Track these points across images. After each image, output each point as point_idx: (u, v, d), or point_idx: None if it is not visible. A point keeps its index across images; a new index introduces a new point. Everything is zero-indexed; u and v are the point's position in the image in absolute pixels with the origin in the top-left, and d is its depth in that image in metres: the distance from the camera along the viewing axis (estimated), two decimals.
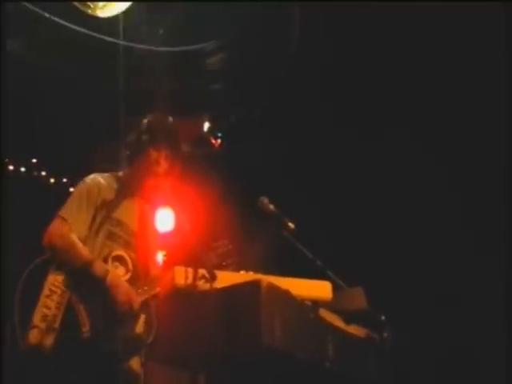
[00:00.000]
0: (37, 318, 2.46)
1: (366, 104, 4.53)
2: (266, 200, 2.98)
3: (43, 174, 5.16)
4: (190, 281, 2.54)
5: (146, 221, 2.88)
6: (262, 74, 4.62)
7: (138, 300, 2.62)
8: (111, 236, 2.72)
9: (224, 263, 2.73)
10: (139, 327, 2.64)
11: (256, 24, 4.37)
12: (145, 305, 2.65)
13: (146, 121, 2.89)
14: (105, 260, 2.66)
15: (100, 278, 2.57)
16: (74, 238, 2.63)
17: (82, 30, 4.32)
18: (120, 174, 2.91)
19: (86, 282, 2.56)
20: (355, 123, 4.65)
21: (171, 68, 4.60)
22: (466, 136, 4.33)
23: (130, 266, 2.70)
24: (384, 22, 4.09)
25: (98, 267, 2.59)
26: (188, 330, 2.50)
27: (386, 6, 3.92)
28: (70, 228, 2.63)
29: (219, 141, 4.77)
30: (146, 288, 2.66)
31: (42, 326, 2.46)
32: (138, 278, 2.70)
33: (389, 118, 4.51)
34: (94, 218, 2.70)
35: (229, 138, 4.81)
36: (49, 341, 2.46)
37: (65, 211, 2.68)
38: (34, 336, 2.45)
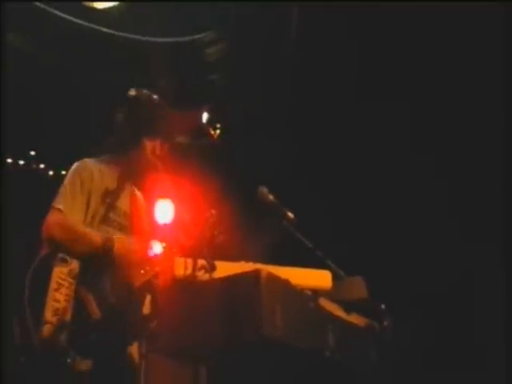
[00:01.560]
0: (48, 314, 2.46)
1: (368, 99, 4.59)
2: (265, 190, 2.97)
3: (42, 166, 5.11)
4: (189, 271, 2.54)
5: (139, 205, 2.87)
6: (261, 65, 4.60)
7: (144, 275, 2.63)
8: (106, 220, 2.72)
9: (216, 232, 2.71)
10: (146, 308, 2.63)
11: (255, 14, 4.35)
12: (148, 285, 2.64)
13: (134, 106, 2.81)
14: None
15: (107, 248, 2.59)
16: (72, 222, 2.61)
17: (79, 21, 4.30)
18: (107, 158, 2.84)
19: (94, 264, 2.53)
20: (357, 117, 4.65)
21: (169, 59, 4.57)
22: (465, 140, 4.44)
23: None
24: (383, 23, 4.22)
25: (98, 237, 2.60)
26: (188, 321, 2.50)
27: (383, 7, 4.05)
28: (67, 217, 2.65)
29: (218, 132, 4.75)
30: (147, 268, 2.65)
31: (54, 320, 2.47)
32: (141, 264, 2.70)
33: (388, 112, 4.56)
34: (88, 204, 2.67)
35: (228, 129, 4.78)
36: (62, 334, 2.47)
37: (58, 201, 2.66)
38: (47, 331, 2.45)
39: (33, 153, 5.04)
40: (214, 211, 2.73)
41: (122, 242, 2.64)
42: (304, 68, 4.55)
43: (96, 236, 2.62)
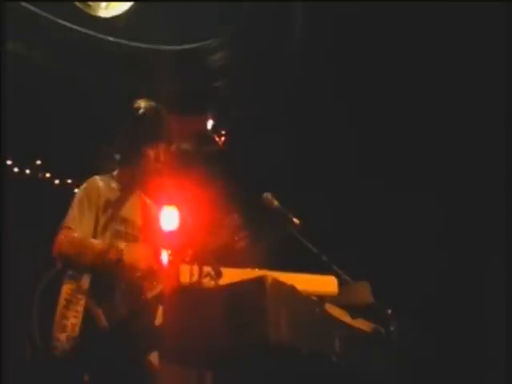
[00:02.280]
0: (57, 331, 2.47)
1: (371, 100, 4.61)
2: (269, 196, 2.98)
3: (48, 175, 5.15)
4: (195, 278, 2.55)
5: (150, 214, 2.89)
6: (265, 71, 4.61)
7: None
8: (118, 234, 2.73)
9: (236, 238, 2.72)
10: (158, 319, 2.63)
11: (259, 19, 4.37)
12: (160, 297, 2.65)
13: (135, 116, 2.82)
14: None
15: (116, 261, 2.58)
16: (79, 235, 2.63)
17: (83, 29, 4.33)
18: (115, 173, 2.88)
19: (104, 277, 2.55)
20: (360, 119, 4.68)
21: (173, 66, 4.59)
22: (465, 144, 4.48)
23: None
24: (382, 24, 4.23)
25: (112, 251, 2.60)
26: (194, 328, 2.50)
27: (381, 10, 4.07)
28: (75, 232, 2.67)
29: (223, 138, 4.76)
30: (155, 283, 2.69)
31: (63, 337, 2.46)
32: (150, 272, 2.71)
33: (391, 112, 4.62)
34: (97, 220, 2.70)
35: (233, 135, 4.79)
36: (71, 350, 2.47)
37: (67, 220, 2.71)
38: (56, 349, 2.46)
39: (39, 162, 5.07)
40: (235, 216, 2.75)
41: (129, 253, 2.63)
42: (306, 70, 4.55)
43: (102, 245, 2.64)
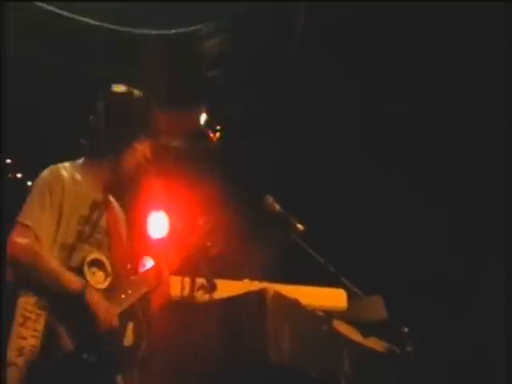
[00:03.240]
0: (12, 354, 2.32)
1: (373, 98, 4.73)
2: (271, 199, 2.96)
3: (19, 175, 5.09)
4: (187, 291, 2.53)
5: (116, 217, 2.75)
6: (264, 62, 4.63)
7: (115, 314, 2.51)
8: (81, 236, 2.57)
9: (209, 244, 2.64)
10: (127, 339, 2.56)
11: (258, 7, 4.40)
12: (130, 311, 2.55)
13: (121, 104, 2.70)
14: (80, 265, 2.53)
15: (76, 294, 2.45)
16: (39, 248, 2.49)
17: (71, 14, 4.30)
18: (81, 162, 2.73)
19: (62, 298, 2.44)
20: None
21: (164, 53, 4.56)
22: (464, 143, 4.63)
23: (109, 270, 2.59)
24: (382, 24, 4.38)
25: (72, 282, 2.46)
26: (186, 346, 2.49)
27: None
28: (35, 235, 2.49)
29: (218, 134, 4.73)
30: (129, 292, 2.55)
31: (20, 361, 2.33)
32: (119, 281, 2.59)
33: (392, 111, 4.72)
34: (59, 217, 2.55)
35: (228, 131, 4.78)
36: (29, 378, 2.33)
37: (25, 216, 2.52)
38: (10, 375, 2.32)
39: (8, 161, 4.99)
40: (208, 219, 2.66)
41: (92, 297, 2.50)
42: (306, 64, 4.61)
43: (72, 280, 2.48)
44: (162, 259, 2.68)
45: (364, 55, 4.53)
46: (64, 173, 2.63)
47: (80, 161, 2.74)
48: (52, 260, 2.49)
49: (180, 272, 2.66)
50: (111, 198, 2.77)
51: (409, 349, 2.62)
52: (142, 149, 2.71)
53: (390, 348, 2.73)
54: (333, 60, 4.56)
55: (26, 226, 2.49)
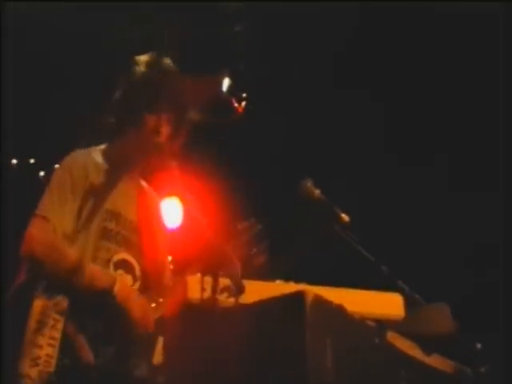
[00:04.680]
0: (25, 364, 2.36)
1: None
2: (309, 183, 2.91)
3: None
4: (207, 294, 2.48)
5: (151, 209, 2.80)
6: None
7: (152, 317, 2.56)
8: (107, 234, 2.64)
9: (253, 252, 2.67)
10: (157, 355, 2.60)
11: None
12: (161, 324, 2.59)
13: (136, 70, 2.76)
14: (105, 267, 2.60)
15: (105, 291, 2.49)
16: (61, 241, 2.54)
17: None
18: (104, 147, 2.80)
19: (86, 300, 2.47)
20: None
21: (181, 12, 4.56)
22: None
23: (138, 273, 2.65)
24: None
25: (100, 276, 2.52)
26: (206, 361, 2.46)
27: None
28: (55, 228, 2.55)
29: (244, 104, 4.69)
30: (161, 300, 2.60)
31: (34, 373, 2.36)
32: (149, 287, 2.66)
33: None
34: (81, 211, 2.61)
35: (257, 100, 4.75)
36: None
37: (44, 207, 2.59)
38: None
39: (32, 160, 5.17)
40: (252, 220, 2.67)
41: (122, 289, 2.54)
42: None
43: (99, 274, 2.54)
44: (179, 258, 2.71)
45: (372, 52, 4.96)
46: (87, 159, 2.70)
47: (103, 146, 2.80)
48: (75, 254, 2.54)
49: (200, 271, 2.62)
50: (144, 184, 2.81)
51: (482, 369, 2.56)
52: (153, 121, 2.70)
53: (459, 368, 2.67)
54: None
55: (45, 218, 2.55)
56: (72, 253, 2.54)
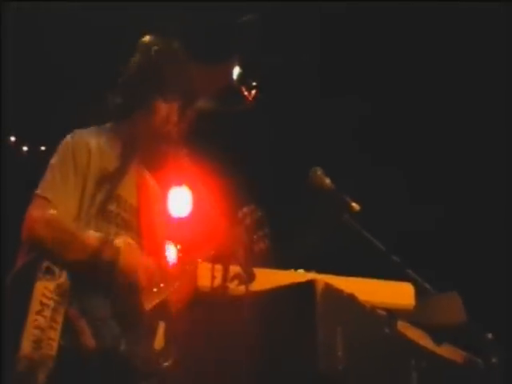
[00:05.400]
0: (26, 345, 2.33)
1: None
2: (319, 172, 2.90)
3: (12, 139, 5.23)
4: (218, 282, 2.50)
5: (150, 194, 2.79)
6: None
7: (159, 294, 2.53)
8: (107, 215, 2.60)
9: (255, 236, 2.64)
10: (158, 341, 2.55)
11: None
12: (162, 309, 2.55)
13: (146, 54, 2.73)
14: None
15: (110, 262, 2.46)
16: (62, 219, 2.52)
17: None
18: (108, 128, 2.76)
19: (88, 283, 2.44)
20: None
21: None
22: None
23: None
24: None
25: (106, 248, 2.47)
26: (216, 349, 2.48)
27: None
28: (56, 209, 2.52)
29: (254, 92, 4.67)
30: (162, 285, 2.56)
31: (35, 354, 2.34)
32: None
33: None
34: (83, 192, 2.56)
35: (268, 88, 4.72)
36: (43, 374, 2.33)
37: (45, 188, 2.55)
38: (24, 369, 2.32)
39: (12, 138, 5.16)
40: (255, 207, 2.65)
41: (127, 256, 2.54)
42: None
43: (95, 240, 2.54)
44: (189, 245, 2.70)
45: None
46: (90, 139, 2.65)
47: (107, 125, 2.75)
48: (78, 229, 2.51)
49: (209, 258, 2.63)
50: (146, 171, 2.78)
51: (494, 360, 2.55)
52: (165, 108, 2.68)
53: (470, 358, 2.69)
54: None
55: (46, 198, 2.51)
56: (79, 231, 2.50)
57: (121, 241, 2.52)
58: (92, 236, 2.49)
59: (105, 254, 2.47)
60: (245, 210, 2.69)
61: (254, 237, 2.65)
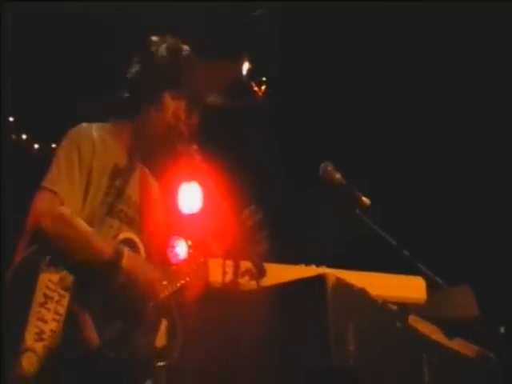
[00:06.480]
0: (30, 338, 2.33)
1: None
2: (330, 167, 2.90)
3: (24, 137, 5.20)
4: (229, 277, 2.49)
5: (151, 193, 2.79)
6: None
7: (161, 290, 2.53)
8: (111, 210, 2.61)
9: (256, 238, 2.61)
10: (160, 338, 2.56)
11: None
12: (164, 307, 2.55)
13: (155, 51, 2.73)
14: None
15: (113, 263, 2.46)
16: (70, 214, 2.53)
17: None
18: (114, 122, 2.77)
19: (91, 277, 2.45)
20: None
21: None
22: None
23: (143, 254, 2.61)
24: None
25: (109, 248, 2.48)
26: (228, 344, 2.48)
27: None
28: (62, 203, 2.52)
29: (264, 88, 4.67)
30: (164, 283, 2.55)
31: (38, 347, 2.34)
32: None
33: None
34: (88, 186, 2.57)
35: (277, 84, 4.72)
36: (47, 368, 2.34)
37: (51, 180, 2.54)
38: (27, 362, 2.32)
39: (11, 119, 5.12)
40: (253, 208, 2.62)
41: (131, 262, 2.54)
42: None
43: (101, 241, 2.53)
44: (199, 242, 2.69)
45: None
46: (94, 132, 2.65)
47: (112, 121, 2.77)
48: (84, 225, 2.51)
49: (219, 255, 2.63)
50: (146, 170, 2.80)
51: (505, 354, 2.55)
52: (174, 105, 2.68)
53: (482, 352, 2.67)
54: None
55: (52, 192, 2.51)
56: (85, 227, 2.50)
57: (125, 248, 2.51)
58: (99, 239, 2.50)
59: (108, 255, 2.47)
60: (246, 212, 2.65)
61: (256, 239, 2.61)
